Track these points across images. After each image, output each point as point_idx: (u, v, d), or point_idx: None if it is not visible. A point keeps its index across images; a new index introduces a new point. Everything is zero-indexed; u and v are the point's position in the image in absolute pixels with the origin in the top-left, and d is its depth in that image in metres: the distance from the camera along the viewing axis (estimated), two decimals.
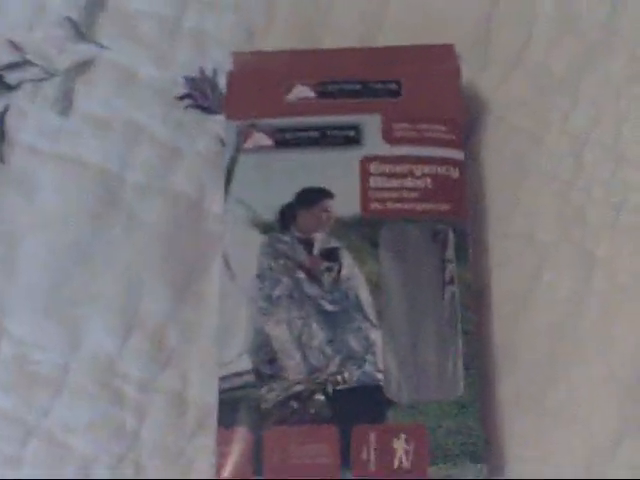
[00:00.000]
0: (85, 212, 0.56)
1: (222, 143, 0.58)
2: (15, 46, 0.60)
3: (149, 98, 0.59)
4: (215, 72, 0.60)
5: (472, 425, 0.49)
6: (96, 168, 0.57)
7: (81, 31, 0.61)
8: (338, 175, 0.54)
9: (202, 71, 0.60)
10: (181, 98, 0.59)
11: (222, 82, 0.59)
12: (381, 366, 0.50)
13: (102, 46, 0.60)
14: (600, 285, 0.54)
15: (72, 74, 0.60)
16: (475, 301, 0.53)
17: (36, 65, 0.60)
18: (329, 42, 0.60)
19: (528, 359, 0.53)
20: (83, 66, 0.60)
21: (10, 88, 0.59)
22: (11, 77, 0.60)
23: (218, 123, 0.58)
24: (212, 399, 0.51)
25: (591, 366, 0.53)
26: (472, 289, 0.52)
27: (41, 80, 0.60)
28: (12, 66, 0.60)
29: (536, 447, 0.51)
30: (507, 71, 0.59)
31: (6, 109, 0.59)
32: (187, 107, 0.59)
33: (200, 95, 0.59)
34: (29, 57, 0.60)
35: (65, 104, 0.59)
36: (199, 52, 0.60)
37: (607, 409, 0.52)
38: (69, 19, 0.61)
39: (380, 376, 0.50)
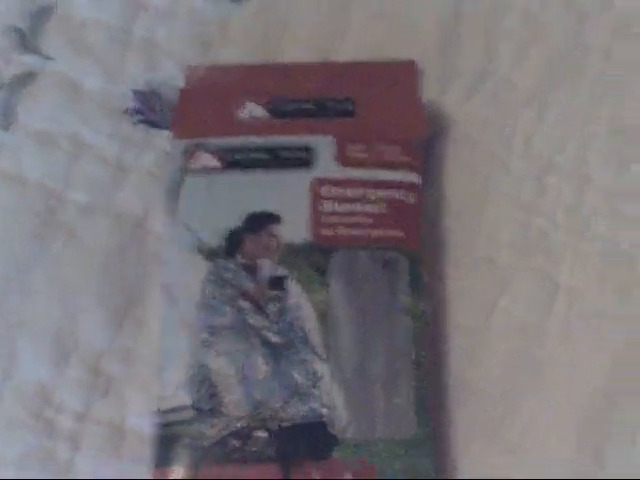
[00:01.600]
0: (24, 231, 0.54)
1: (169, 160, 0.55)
2: None
3: (96, 112, 0.57)
4: (165, 85, 0.57)
5: (423, 465, 0.47)
6: (37, 185, 0.55)
7: (26, 41, 0.58)
8: (288, 199, 0.51)
9: (151, 84, 0.57)
10: (128, 112, 0.57)
11: (170, 96, 0.56)
12: (326, 401, 0.48)
13: (48, 57, 0.58)
14: (561, 311, 0.52)
15: (16, 86, 0.57)
16: (429, 332, 0.51)
17: None
18: (288, 54, 0.58)
19: (484, 390, 0.51)
20: (27, 78, 0.57)
21: None
22: None
23: (166, 139, 0.56)
24: (151, 430, 0.49)
25: (549, 395, 0.51)
26: (426, 320, 0.50)
27: None
28: None
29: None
30: (471, 87, 0.57)
31: None
32: (136, 122, 0.56)
33: (148, 109, 0.57)
34: None
35: (7, 118, 0.56)
36: (149, 64, 0.58)
37: (565, 439, 0.50)
38: (15, 28, 0.58)
39: (325, 411, 0.47)
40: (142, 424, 0.50)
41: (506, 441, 0.50)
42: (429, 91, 0.55)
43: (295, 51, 0.58)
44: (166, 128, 0.56)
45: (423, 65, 0.56)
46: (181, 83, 0.55)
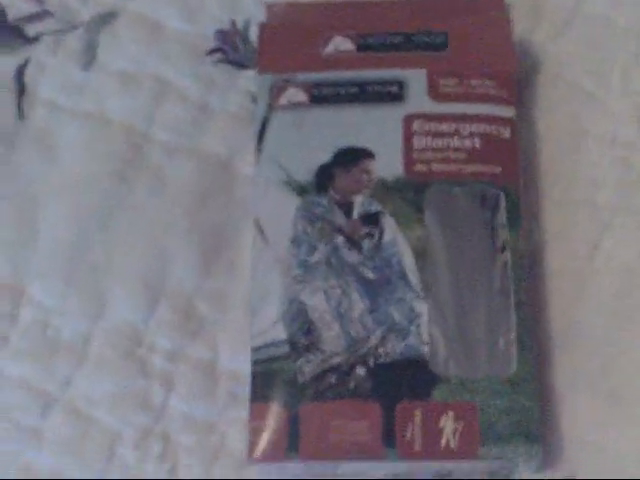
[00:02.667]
0: (109, 173, 0.53)
1: (254, 100, 0.54)
2: None
3: (177, 52, 0.56)
4: (247, 24, 0.56)
5: (526, 404, 0.45)
6: (121, 126, 0.54)
7: None
8: (379, 134, 0.50)
9: (233, 23, 0.56)
10: (211, 52, 0.56)
11: (254, 35, 0.55)
12: (426, 339, 0.46)
13: None
14: None
15: (95, 26, 0.56)
16: (528, 271, 0.49)
17: (57, 16, 0.56)
18: None
19: (586, 335, 0.49)
20: (107, 18, 0.56)
21: (30, 40, 0.56)
22: (31, 29, 0.56)
23: (250, 79, 0.55)
24: (244, 370, 0.48)
25: None
26: (525, 258, 0.49)
27: (63, 32, 0.56)
28: (32, 17, 0.56)
29: (595, 431, 0.48)
30: (563, 23, 0.55)
31: (26, 63, 0.55)
32: (217, 62, 0.55)
33: (231, 49, 0.56)
34: (49, 8, 0.57)
35: (88, 58, 0.56)
36: (230, 3, 0.56)
37: None
38: None
39: (426, 349, 0.46)
40: (235, 363, 0.49)
41: (608, 387, 0.48)
42: (519, 26, 0.54)
43: None
44: (249, 68, 0.55)
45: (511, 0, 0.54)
46: (262, 21, 0.54)
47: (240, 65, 0.55)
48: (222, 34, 0.56)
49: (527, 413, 0.45)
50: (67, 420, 0.49)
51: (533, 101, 0.54)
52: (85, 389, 0.49)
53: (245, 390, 0.48)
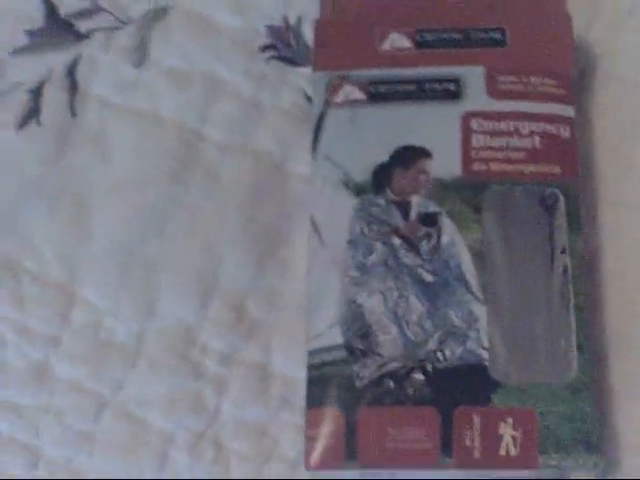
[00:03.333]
0: (162, 172, 0.53)
1: (307, 98, 0.53)
2: None
3: (229, 49, 0.55)
4: (300, 20, 0.55)
5: (587, 411, 0.44)
6: (174, 124, 0.53)
7: None
8: (437, 132, 0.49)
9: (285, 19, 0.55)
10: (263, 49, 0.55)
11: (307, 31, 0.54)
12: (486, 343, 0.45)
13: None
14: None
15: (147, 23, 0.56)
16: (587, 274, 0.48)
17: (109, 12, 0.56)
18: None
19: None
20: (159, 14, 0.56)
21: (81, 37, 0.56)
22: (82, 25, 0.56)
23: (303, 76, 0.54)
24: (298, 373, 0.47)
25: None
26: (584, 260, 0.47)
27: (114, 29, 0.56)
28: (83, 13, 0.56)
29: None
30: (621, 19, 0.54)
31: (78, 59, 0.55)
32: (270, 59, 0.55)
33: (284, 46, 0.55)
34: (101, 4, 0.56)
35: (140, 55, 0.55)
36: None
37: None
38: None
39: (485, 354, 0.45)
40: (288, 367, 0.49)
41: None
42: (576, 21, 0.52)
43: None
44: (302, 65, 0.54)
45: None
46: (315, 17, 0.53)
47: (292, 62, 0.55)
48: (274, 30, 0.55)
49: (588, 420, 0.44)
50: (119, 423, 0.49)
51: (589, 99, 0.53)
52: (138, 391, 0.49)
53: (298, 394, 0.47)
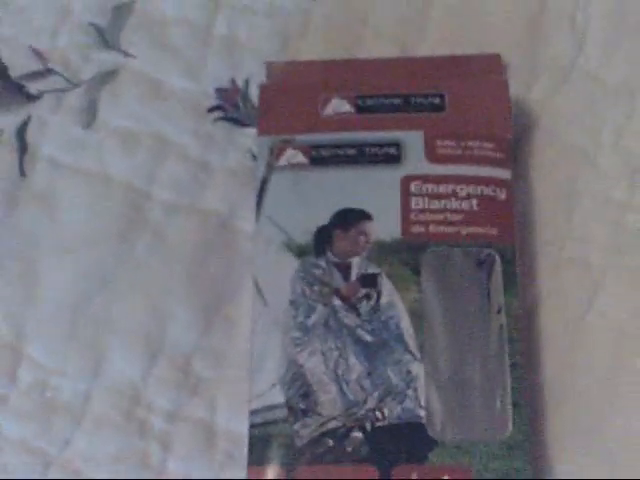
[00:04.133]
0: (110, 231, 0.54)
1: (254, 157, 0.55)
2: (38, 54, 0.57)
3: (178, 110, 0.56)
4: (247, 82, 0.57)
5: (521, 467, 0.46)
6: (122, 184, 0.55)
7: (106, 38, 0.58)
8: (378, 195, 0.50)
9: (233, 82, 0.57)
10: (211, 110, 0.56)
11: (254, 93, 0.56)
12: (423, 402, 0.47)
13: (128, 54, 0.57)
14: None
15: (96, 84, 0.57)
16: (523, 332, 0.49)
17: (59, 74, 0.57)
18: (368, 48, 0.57)
19: (580, 393, 0.50)
20: (108, 76, 0.57)
21: (32, 98, 0.57)
22: (33, 87, 0.57)
23: (250, 137, 0.55)
24: (242, 430, 0.48)
25: None
26: (520, 319, 0.49)
27: (64, 90, 0.57)
28: (34, 75, 0.57)
29: None
30: (558, 83, 0.56)
31: (28, 120, 0.56)
32: (217, 120, 0.56)
33: (231, 107, 0.56)
34: (52, 66, 0.57)
35: (89, 116, 0.56)
36: (231, 61, 0.57)
37: None
38: (94, 25, 0.58)
39: (422, 413, 0.47)
40: (233, 424, 0.50)
41: (603, 447, 0.49)
42: (514, 86, 0.54)
43: (375, 45, 0.57)
44: (249, 125, 0.56)
45: (506, 59, 0.55)
46: (262, 80, 0.55)
47: (240, 122, 0.56)
48: (222, 92, 0.57)
49: (522, 477, 0.46)
50: None
51: (528, 160, 0.55)
52: (84, 450, 0.50)
53: (242, 451, 0.48)
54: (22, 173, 0.55)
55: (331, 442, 0.46)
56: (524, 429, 0.47)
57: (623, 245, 0.52)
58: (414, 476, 0.45)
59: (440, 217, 0.50)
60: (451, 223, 0.50)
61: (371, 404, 0.47)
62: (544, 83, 0.56)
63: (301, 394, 0.47)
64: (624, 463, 0.48)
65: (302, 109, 0.52)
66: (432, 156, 0.51)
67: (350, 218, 0.50)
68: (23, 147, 0.56)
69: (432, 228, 0.50)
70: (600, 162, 0.54)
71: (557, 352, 0.51)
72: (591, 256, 0.52)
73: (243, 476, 0.47)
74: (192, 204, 0.54)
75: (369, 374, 0.47)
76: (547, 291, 0.52)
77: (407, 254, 0.49)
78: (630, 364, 0.50)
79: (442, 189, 0.50)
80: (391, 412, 0.47)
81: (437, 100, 0.52)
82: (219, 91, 0.57)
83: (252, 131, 0.55)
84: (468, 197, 0.50)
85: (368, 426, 0.46)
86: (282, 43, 0.57)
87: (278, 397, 0.47)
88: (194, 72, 0.57)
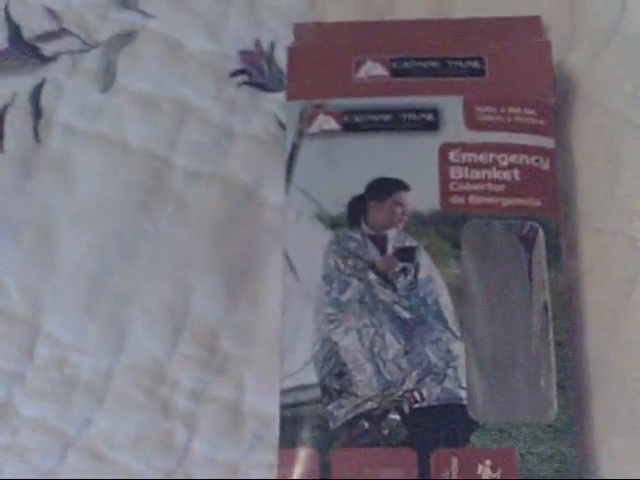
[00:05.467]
0: (129, 201, 0.51)
1: (280, 124, 0.52)
2: (52, 13, 0.55)
3: (199, 74, 0.53)
4: (272, 45, 0.54)
5: (567, 451, 0.44)
6: (141, 151, 0.52)
7: None
8: (414, 164, 0.48)
9: (258, 44, 0.54)
10: (235, 74, 0.53)
11: (280, 57, 0.53)
12: (464, 383, 0.44)
13: (147, 15, 0.54)
14: None
15: (114, 46, 0.54)
16: (567, 309, 0.47)
17: (75, 35, 0.54)
18: (399, 11, 0.54)
19: (625, 373, 0.47)
20: (126, 37, 0.54)
21: (46, 60, 0.54)
22: (47, 48, 0.54)
23: (275, 102, 0.53)
24: (271, 410, 0.46)
25: None
26: (565, 296, 0.47)
27: (80, 52, 0.54)
28: (48, 36, 0.54)
29: (634, 475, 0.46)
30: (599, 47, 0.53)
31: (42, 84, 0.53)
32: (241, 84, 0.53)
33: (256, 71, 0.54)
34: (67, 26, 0.54)
35: (107, 79, 0.53)
36: (254, 23, 0.54)
37: None
38: None
39: (463, 394, 0.44)
40: (262, 404, 0.47)
41: None
42: (555, 49, 0.52)
43: (407, 7, 0.54)
44: (275, 90, 0.53)
45: (548, 21, 0.52)
46: (289, 42, 0.52)
47: (265, 88, 0.53)
48: (246, 55, 0.54)
49: (567, 461, 0.43)
50: (86, 463, 0.47)
51: (569, 127, 0.52)
52: (105, 430, 0.47)
53: (271, 432, 0.46)
54: (37, 139, 0.52)
55: (367, 424, 0.44)
56: (569, 411, 0.44)
57: None
58: (454, 460, 0.43)
59: (480, 187, 0.47)
60: (492, 194, 0.47)
61: (409, 384, 0.44)
62: (585, 47, 0.53)
63: (335, 373, 0.45)
64: None
65: (333, 73, 0.50)
66: (471, 123, 0.48)
67: (386, 188, 0.47)
68: (37, 112, 0.53)
69: (472, 199, 0.47)
70: None
71: (602, 330, 0.48)
72: (635, 229, 0.50)
73: (273, 459, 0.45)
74: (215, 172, 0.51)
75: (407, 353, 0.45)
76: (590, 266, 0.49)
77: (446, 226, 0.47)
78: None
79: (482, 158, 0.48)
80: (430, 393, 0.44)
81: (476, 64, 0.50)
82: (243, 54, 0.54)
83: (278, 96, 0.53)
84: (510, 167, 0.48)
85: (406, 408, 0.44)
86: (308, 3, 0.54)
87: (311, 376, 0.45)
88: (216, 33, 0.54)
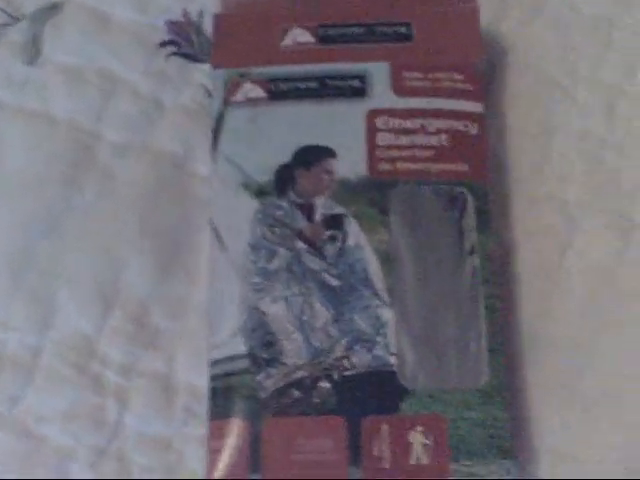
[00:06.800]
0: (56, 174, 0.50)
1: (209, 95, 0.51)
2: None
3: (126, 45, 0.52)
4: (201, 15, 0.53)
5: (499, 416, 0.43)
6: (68, 124, 0.51)
7: None
8: (341, 131, 0.47)
9: (186, 14, 0.53)
10: (163, 45, 0.53)
11: (209, 26, 0.52)
12: (394, 349, 0.44)
13: None
14: (637, 253, 0.48)
15: (40, 18, 0.53)
16: (499, 274, 0.47)
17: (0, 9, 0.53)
18: None
19: (558, 339, 0.47)
20: (52, 9, 0.53)
21: None
22: None
23: (204, 73, 0.52)
24: (202, 383, 0.46)
25: (629, 345, 0.47)
26: (495, 260, 0.46)
27: (5, 25, 0.53)
28: None
29: (569, 441, 0.46)
30: (531, 13, 0.53)
31: None
32: (169, 55, 0.52)
33: (184, 41, 0.53)
34: None
35: (32, 52, 0.52)
36: None
37: None
38: None
39: (393, 360, 0.44)
40: (193, 377, 0.47)
41: (582, 392, 0.47)
42: (486, 14, 0.51)
43: None
44: (204, 61, 0.52)
45: None
46: (216, 11, 0.51)
47: (194, 58, 0.52)
48: (174, 25, 0.53)
49: (500, 426, 0.43)
50: (16, 440, 0.46)
51: (500, 91, 0.52)
52: (35, 407, 0.47)
53: (203, 405, 0.45)
54: None
55: (297, 393, 0.44)
56: (501, 376, 0.44)
57: (601, 183, 0.50)
58: (385, 427, 0.43)
59: (408, 153, 0.47)
60: (420, 160, 0.47)
61: (339, 352, 0.44)
62: (516, 13, 0.53)
63: (264, 343, 0.44)
64: (603, 406, 0.46)
65: (259, 40, 0.49)
66: (399, 89, 0.48)
67: (313, 155, 0.47)
68: None
69: (400, 165, 0.47)
70: (577, 95, 0.51)
71: (534, 295, 0.48)
72: (567, 194, 0.50)
73: (204, 431, 0.44)
74: (143, 144, 0.51)
75: (336, 320, 0.44)
76: (523, 231, 0.49)
77: (374, 193, 0.46)
78: (608, 309, 0.48)
79: (410, 124, 0.47)
80: (360, 360, 0.44)
81: (403, 29, 0.49)
82: (170, 24, 0.53)
83: (207, 67, 0.52)
84: (437, 132, 0.47)
85: (336, 375, 0.44)
86: None
87: (239, 347, 0.44)
88: (143, 4, 0.53)
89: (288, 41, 0.49)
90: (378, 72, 0.48)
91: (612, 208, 0.49)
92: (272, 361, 0.44)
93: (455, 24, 0.49)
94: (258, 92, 0.48)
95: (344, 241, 0.46)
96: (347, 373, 0.44)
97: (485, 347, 0.44)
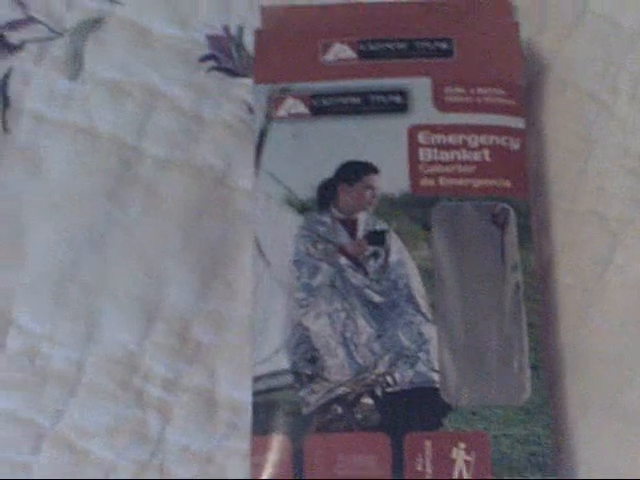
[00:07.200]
0: (99, 189, 0.50)
1: (250, 110, 0.52)
2: (18, 2, 0.54)
3: (168, 60, 0.53)
4: (241, 30, 0.53)
5: (541, 433, 0.43)
6: (110, 138, 0.51)
7: None
8: (383, 147, 0.47)
9: (226, 29, 0.53)
10: (203, 60, 0.53)
11: (249, 41, 0.53)
12: (437, 365, 0.44)
13: (115, 1, 0.54)
14: None
15: (82, 33, 0.53)
16: (539, 290, 0.47)
17: (41, 23, 0.54)
18: None
19: (598, 354, 0.47)
20: (93, 24, 0.54)
21: (13, 49, 0.53)
22: (14, 36, 0.53)
23: (245, 87, 0.52)
24: (244, 398, 0.46)
25: None
26: (536, 276, 0.46)
27: (47, 40, 0.53)
28: (14, 24, 0.54)
29: (610, 455, 0.46)
30: (569, 27, 0.53)
31: (9, 73, 0.53)
32: (210, 70, 0.53)
33: (224, 56, 0.53)
34: (33, 14, 0.54)
35: (75, 67, 0.53)
36: (223, 7, 0.54)
37: None
38: None
39: (436, 377, 0.44)
40: (235, 392, 0.47)
41: (624, 408, 0.47)
42: (525, 29, 0.51)
43: None
44: (244, 75, 0.53)
45: (516, 2, 0.52)
46: (257, 26, 0.51)
47: (234, 73, 0.53)
48: (215, 40, 0.53)
49: (542, 443, 0.43)
50: (59, 455, 0.47)
51: (541, 107, 0.52)
52: (78, 421, 0.47)
53: (245, 420, 0.46)
54: (5, 129, 0.52)
55: (340, 409, 0.44)
56: (542, 393, 0.44)
57: None
58: (428, 444, 0.43)
59: (450, 169, 0.47)
60: (462, 175, 0.47)
61: (381, 368, 0.44)
62: (555, 28, 0.53)
63: (307, 359, 0.44)
64: None
65: (301, 56, 0.49)
66: (440, 104, 0.48)
67: (355, 171, 0.47)
68: (5, 101, 0.52)
69: (442, 181, 0.47)
70: (617, 110, 0.51)
71: (573, 310, 0.48)
72: (608, 209, 0.50)
73: (247, 447, 0.44)
74: (185, 159, 0.51)
75: (379, 337, 0.45)
76: (562, 247, 0.49)
77: (416, 209, 0.46)
78: None
79: (452, 139, 0.47)
80: (403, 377, 0.44)
81: (444, 45, 0.49)
82: (211, 39, 0.53)
83: (247, 81, 0.52)
84: (479, 147, 0.47)
85: (379, 392, 0.44)
86: None
87: (283, 362, 0.44)
88: (184, 19, 0.54)
89: (329, 56, 0.49)
90: (419, 88, 0.48)
91: None
92: (315, 377, 0.44)
93: (496, 39, 0.49)
94: (300, 108, 0.48)
95: (387, 257, 0.46)
96: (390, 389, 0.44)
97: (527, 363, 0.44)
